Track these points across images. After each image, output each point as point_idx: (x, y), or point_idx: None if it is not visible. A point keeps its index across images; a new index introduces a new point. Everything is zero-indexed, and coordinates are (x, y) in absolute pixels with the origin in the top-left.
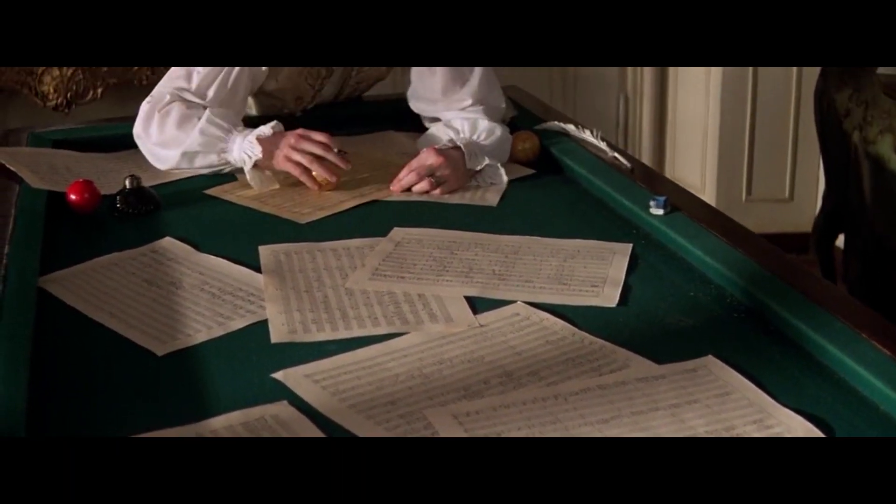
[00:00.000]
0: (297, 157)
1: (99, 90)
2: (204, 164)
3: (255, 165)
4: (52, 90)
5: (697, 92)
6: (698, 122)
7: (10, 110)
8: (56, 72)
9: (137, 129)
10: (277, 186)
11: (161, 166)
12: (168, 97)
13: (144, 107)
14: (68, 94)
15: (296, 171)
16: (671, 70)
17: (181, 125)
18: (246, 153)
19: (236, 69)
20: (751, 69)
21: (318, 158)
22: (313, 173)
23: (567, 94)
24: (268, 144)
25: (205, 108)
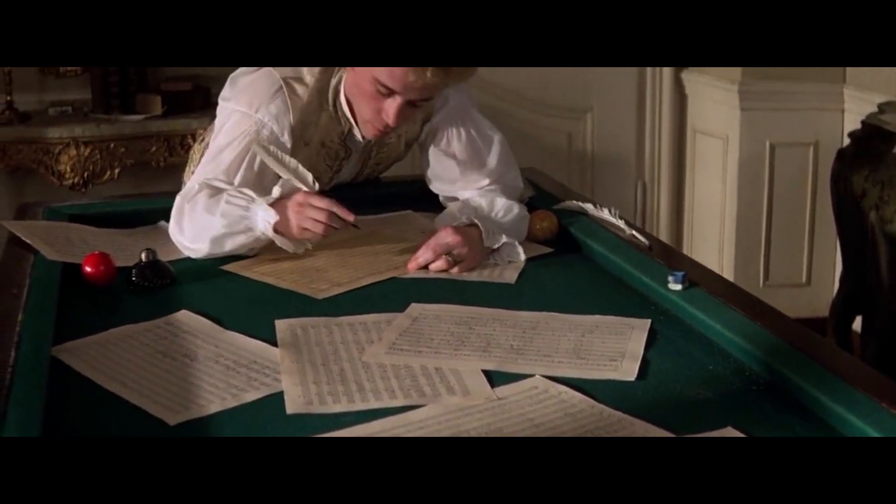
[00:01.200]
0: (310, 227)
1: (116, 170)
2: (235, 246)
3: (279, 232)
4: (68, 169)
5: (714, 177)
6: (715, 208)
7: (27, 189)
8: (73, 151)
9: (173, 228)
10: (310, 246)
11: (196, 256)
12: (196, 187)
13: (177, 202)
14: (85, 174)
15: (314, 238)
16: (689, 155)
17: (209, 209)
18: (267, 220)
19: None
20: (767, 153)
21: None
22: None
23: (584, 179)
24: (280, 207)
25: None
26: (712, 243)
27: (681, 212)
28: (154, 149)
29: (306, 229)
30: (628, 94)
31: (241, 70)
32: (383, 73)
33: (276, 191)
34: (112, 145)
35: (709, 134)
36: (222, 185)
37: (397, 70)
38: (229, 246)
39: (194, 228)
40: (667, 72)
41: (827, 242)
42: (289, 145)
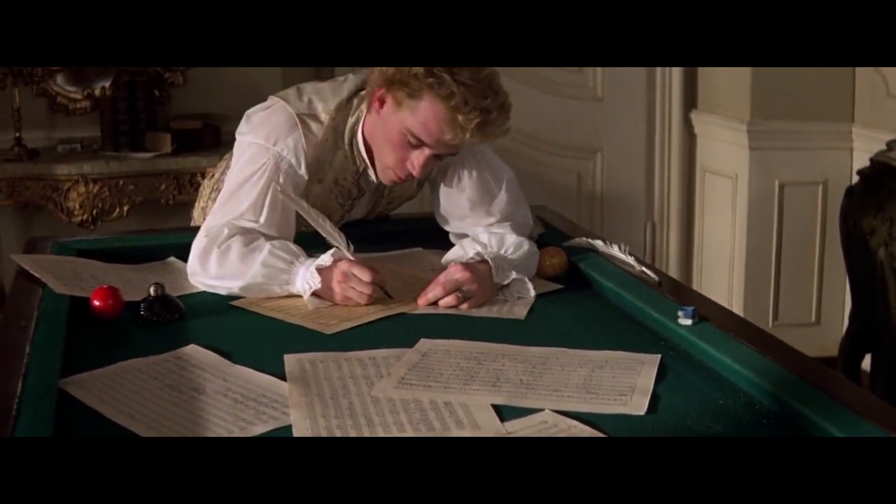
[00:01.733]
0: (353, 297)
1: (125, 207)
2: (266, 295)
3: (316, 294)
4: (77, 206)
5: (724, 217)
6: (725, 248)
7: (36, 225)
8: (82, 188)
9: (193, 266)
10: (329, 305)
11: (213, 291)
12: (226, 231)
13: (201, 241)
14: (93, 211)
15: (355, 306)
16: (698, 194)
17: (243, 259)
18: (308, 283)
19: (281, 183)
20: (776, 192)
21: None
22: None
23: (594, 218)
24: (326, 273)
25: (263, 234)
26: (721, 283)
27: (690, 251)
28: (163, 186)
29: (349, 298)
30: (638, 133)
31: (255, 107)
32: (417, 127)
33: (327, 259)
34: (121, 182)
35: (718, 173)
36: (251, 225)
37: (433, 125)
38: (261, 294)
39: (223, 272)
40: (676, 111)
41: (836, 281)
42: (306, 178)
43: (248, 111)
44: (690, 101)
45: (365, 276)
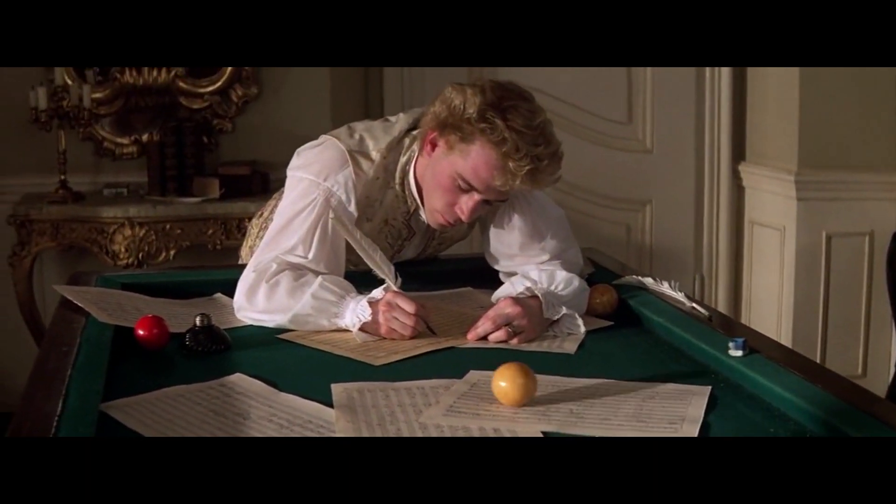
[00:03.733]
0: (398, 329)
1: (171, 251)
2: (310, 328)
3: (361, 328)
4: (122, 249)
5: (772, 269)
6: (773, 300)
7: (80, 269)
8: (128, 231)
9: (240, 301)
10: (377, 339)
11: (265, 325)
12: (275, 266)
13: (249, 276)
14: (139, 254)
15: (399, 339)
16: (746, 248)
17: (292, 294)
18: (358, 316)
19: (328, 221)
20: (824, 243)
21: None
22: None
23: (643, 271)
24: (374, 307)
25: (311, 271)
26: (769, 335)
27: (738, 304)
28: (210, 231)
29: (394, 330)
30: (686, 185)
31: (307, 144)
32: (468, 171)
33: (378, 293)
34: (168, 226)
35: (766, 225)
36: (299, 261)
37: (483, 171)
38: (308, 327)
39: (271, 306)
40: (724, 163)
41: (883, 333)
42: (356, 215)
43: (300, 148)
44: (739, 153)
45: (409, 307)
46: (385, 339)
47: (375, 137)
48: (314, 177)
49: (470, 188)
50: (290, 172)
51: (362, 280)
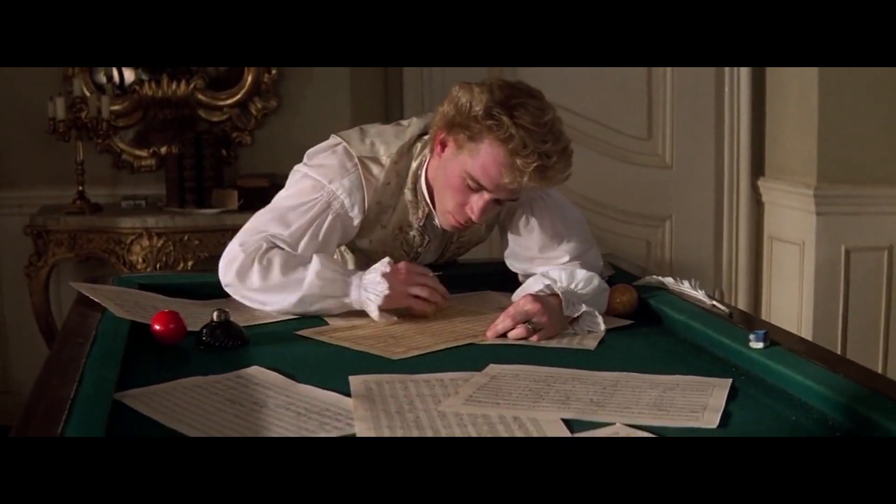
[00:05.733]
0: (419, 291)
1: (189, 262)
2: (320, 309)
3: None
4: (140, 259)
5: (791, 284)
6: (792, 315)
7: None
8: (146, 241)
9: (229, 279)
10: (396, 319)
11: (266, 309)
12: (264, 245)
13: (237, 255)
14: (157, 265)
15: (420, 306)
16: (765, 263)
17: (286, 271)
18: (373, 292)
19: (328, 220)
20: (843, 257)
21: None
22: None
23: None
24: (391, 279)
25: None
26: None
27: (758, 318)
28: (228, 242)
29: (412, 296)
30: (706, 200)
31: (317, 146)
32: (476, 170)
33: (384, 265)
34: (186, 237)
35: (785, 240)
36: (287, 249)
37: (492, 169)
38: (315, 308)
39: (267, 283)
40: (744, 179)
41: None
42: (356, 221)
43: (310, 150)
44: (758, 168)
45: (424, 270)
46: (408, 314)
47: (387, 142)
48: (320, 178)
49: (480, 187)
50: (296, 168)
51: None
